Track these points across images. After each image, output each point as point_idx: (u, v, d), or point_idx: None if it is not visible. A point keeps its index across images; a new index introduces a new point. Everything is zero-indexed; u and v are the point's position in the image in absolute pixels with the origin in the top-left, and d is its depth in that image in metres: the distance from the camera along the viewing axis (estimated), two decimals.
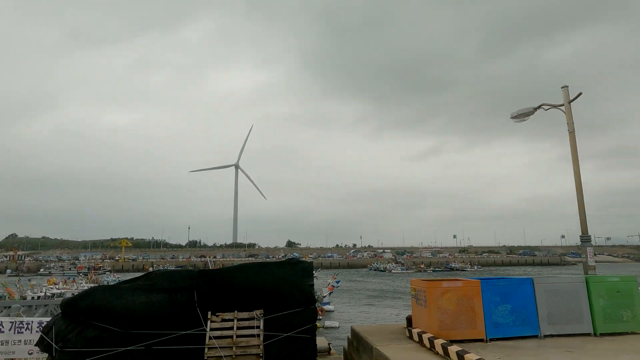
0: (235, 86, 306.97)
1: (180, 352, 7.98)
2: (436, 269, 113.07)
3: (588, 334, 8.21)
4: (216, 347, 7.98)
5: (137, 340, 7.82)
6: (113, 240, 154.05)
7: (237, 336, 8.04)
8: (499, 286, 8.21)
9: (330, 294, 44.25)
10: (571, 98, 10.87)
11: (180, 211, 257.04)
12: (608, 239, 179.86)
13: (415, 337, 7.84)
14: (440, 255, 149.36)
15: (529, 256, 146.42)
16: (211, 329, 8.07)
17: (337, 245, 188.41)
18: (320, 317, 36.50)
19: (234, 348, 8.00)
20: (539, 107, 11.55)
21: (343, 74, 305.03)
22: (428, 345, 7.25)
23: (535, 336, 8.07)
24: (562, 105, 11.00)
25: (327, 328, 32.99)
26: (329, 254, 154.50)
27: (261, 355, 7.95)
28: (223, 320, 8.22)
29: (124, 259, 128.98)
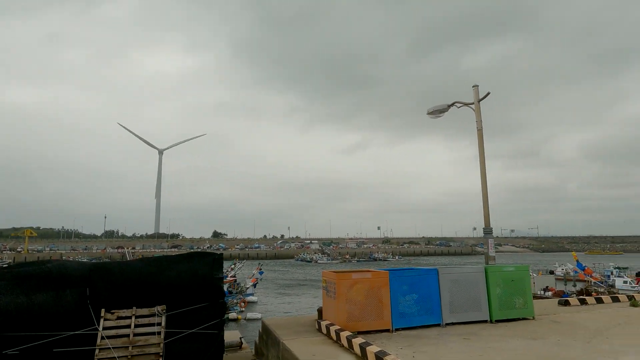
0: (161, 69, 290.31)
1: (67, 355, 7.18)
2: (360, 260, 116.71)
3: (485, 321, 8.68)
4: (109, 348, 7.28)
5: (13, 344, 6.90)
6: (15, 229, 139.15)
7: (135, 334, 7.41)
8: (406, 277, 8.38)
9: (254, 285, 43.68)
10: (480, 97, 11.45)
11: (96, 199, 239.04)
12: (512, 231, 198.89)
13: (324, 330, 7.75)
14: (365, 246, 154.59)
15: (444, 247, 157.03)
16: (105, 328, 7.35)
17: (264, 236, 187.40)
18: (243, 310, 35.89)
19: (130, 348, 7.36)
20: (452, 104, 12.05)
21: (275, 65, 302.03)
22: (335, 337, 7.17)
23: (438, 324, 8.36)
24: (473, 103, 11.56)
25: (249, 320, 32.49)
26: (256, 245, 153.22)
27: (161, 354, 7.40)
28: (119, 317, 7.52)
29: (28, 250, 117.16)
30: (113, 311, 7.53)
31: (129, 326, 7.45)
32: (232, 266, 53.24)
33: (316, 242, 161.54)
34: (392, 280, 8.17)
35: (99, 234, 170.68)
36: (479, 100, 11.47)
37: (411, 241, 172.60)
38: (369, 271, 8.32)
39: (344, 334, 6.88)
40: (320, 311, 8.87)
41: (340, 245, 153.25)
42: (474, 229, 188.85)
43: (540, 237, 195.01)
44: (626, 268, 51.78)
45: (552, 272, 54.93)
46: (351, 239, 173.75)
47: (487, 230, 10.97)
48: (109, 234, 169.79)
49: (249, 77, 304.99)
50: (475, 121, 11.47)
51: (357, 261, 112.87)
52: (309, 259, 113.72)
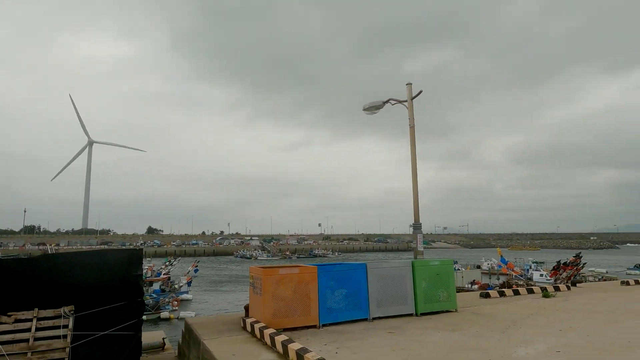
0: (93, 55, 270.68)
1: None
2: (300, 256, 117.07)
3: (411, 315, 8.84)
4: (3, 355, 6.48)
5: None
6: None
7: (36, 339, 6.66)
8: (335, 272, 8.30)
9: (189, 283, 42.15)
10: (413, 95, 11.67)
11: (15, 191, 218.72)
12: (445, 228, 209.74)
13: (249, 328, 7.45)
14: (306, 242, 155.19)
15: (382, 243, 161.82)
16: None
17: (203, 232, 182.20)
18: (176, 309, 34.52)
19: (30, 354, 6.61)
20: (387, 101, 12.19)
21: (217, 58, 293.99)
22: (259, 335, 6.91)
23: (366, 319, 8.38)
24: (406, 101, 11.76)
25: (182, 319, 31.28)
26: (194, 241, 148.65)
27: (66, 359, 6.72)
28: (18, 320, 6.73)
29: None
30: (10, 313, 6.73)
31: (29, 329, 6.70)
32: (167, 263, 51.06)
33: (256, 238, 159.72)
34: (320, 276, 8.05)
35: (17, 229, 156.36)
36: (412, 98, 11.69)
37: (351, 238, 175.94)
38: (297, 266, 8.13)
39: (268, 332, 6.64)
40: (247, 308, 8.55)
41: (280, 242, 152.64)
42: (411, 226, 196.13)
43: (469, 234, 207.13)
44: (542, 262, 56.37)
45: (479, 267, 58.50)
46: (291, 235, 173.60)
47: (417, 226, 11.21)
48: (29, 230, 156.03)
49: (189, 68, 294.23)
50: (408, 118, 11.69)
51: (297, 257, 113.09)
52: (248, 256, 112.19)
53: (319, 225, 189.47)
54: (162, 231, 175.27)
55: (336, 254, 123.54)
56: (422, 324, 8.16)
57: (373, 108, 12.62)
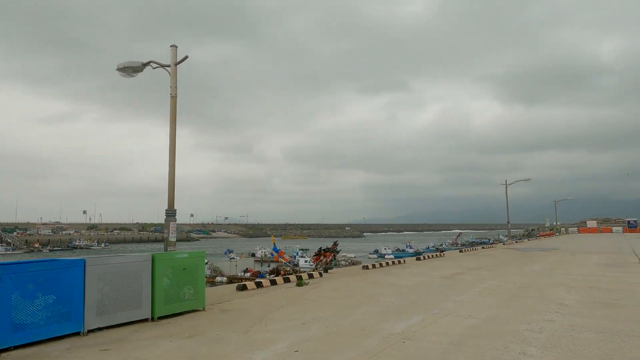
0: None
1: None
2: (55, 248, 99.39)
3: (146, 320, 7.25)
4: None
5: None
6: None
7: None
8: (33, 272, 5.98)
9: None
10: (178, 60, 10.05)
11: None
12: (226, 218, 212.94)
13: None
14: (64, 232, 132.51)
15: (159, 233, 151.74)
16: None
17: None
18: None
19: None
20: (148, 63, 10.19)
21: None
22: None
23: (78, 333, 6.36)
24: (169, 66, 10.05)
25: None
26: None
27: None
28: None
29: None
30: None
31: None
32: None
33: None
34: (4, 279, 5.62)
35: None
36: (176, 64, 10.03)
37: (123, 227, 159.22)
38: None
39: None
40: None
41: (29, 232, 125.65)
42: (192, 215, 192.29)
43: (249, 224, 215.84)
44: (307, 249, 62.64)
45: (253, 255, 60.79)
46: (45, 224, 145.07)
47: (170, 213, 9.65)
48: None
49: None
50: (170, 87, 9.99)
51: (50, 250, 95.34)
52: None
53: (84, 212, 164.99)
54: None
55: (102, 245, 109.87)
56: (155, 331, 6.68)
57: (130, 69, 10.41)
